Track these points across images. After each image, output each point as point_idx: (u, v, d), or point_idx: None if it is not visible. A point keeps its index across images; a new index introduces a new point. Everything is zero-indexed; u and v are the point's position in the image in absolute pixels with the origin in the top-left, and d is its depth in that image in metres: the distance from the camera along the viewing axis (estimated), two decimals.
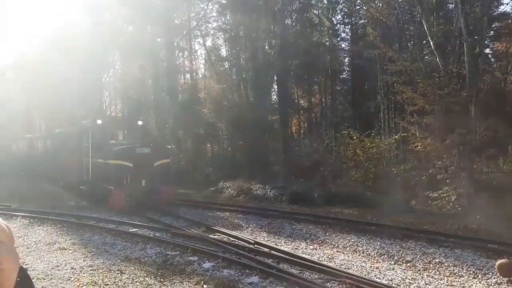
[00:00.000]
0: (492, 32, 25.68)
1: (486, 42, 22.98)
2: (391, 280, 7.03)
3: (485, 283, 7.01)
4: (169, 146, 16.15)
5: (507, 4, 41.18)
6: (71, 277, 7.09)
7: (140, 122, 17.18)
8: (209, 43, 33.25)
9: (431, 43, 16.75)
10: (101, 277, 7.02)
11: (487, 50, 25.78)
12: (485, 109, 17.23)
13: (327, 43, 31.11)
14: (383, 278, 7.16)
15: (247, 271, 7.31)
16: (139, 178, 13.55)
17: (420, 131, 17.69)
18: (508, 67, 25.87)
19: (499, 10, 25.51)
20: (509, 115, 21.61)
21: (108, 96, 38.53)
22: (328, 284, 6.68)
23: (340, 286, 6.62)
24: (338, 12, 31.84)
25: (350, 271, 7.37)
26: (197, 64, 36.05)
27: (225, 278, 6.96)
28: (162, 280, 6.87)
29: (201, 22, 31.10)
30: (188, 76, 34.30)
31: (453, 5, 19.03)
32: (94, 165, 14.79)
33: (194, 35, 32.87)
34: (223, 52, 33.37)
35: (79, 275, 7.21)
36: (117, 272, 7.33)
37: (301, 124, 36.23)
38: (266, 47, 26.20)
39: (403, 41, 22.48)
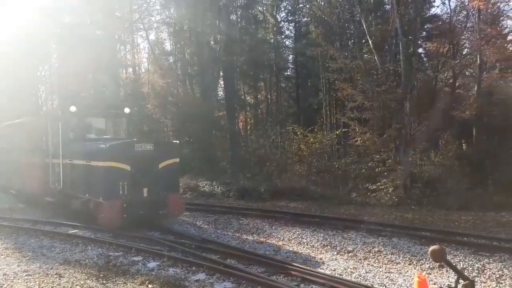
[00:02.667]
0: (424, 32, 27.40)
1: (419, 42, 24.44)
2: (334, 270, 7.32)
3: (419, 268, 7.51)
4: (176, 141, 12.31)
5: (438, 6, 43.89)
6: (3, 284, 6.63)
7: (127, 110, 13.08)
8: (152, 36, 32.42)
9: (370, 42, 17.54)
10: (37, 283, 6.64)
11: (420, 50, 27.49)
12: (418, 105, 18.34)
13: (272, 40, 31.51)
14: (327, 268, 7.44)
15: (194, 268, 7.26)
16: (139, 185, 9.87)
17: (360, 127, 18.49)
18: (439, 66, 27.72)
19: (431, 12, 27.25)
20: (440, 111, 23.20)
21: (44, 91, 36.24)
22: (273, 277, 6.81)
23: (286, 278, 6.78)
24: (282, 9, 32.35)
25: (295, 263, 7.57)
26: (140, 58, 35.05)
27: (171, 276, 6.87)
28: (104, 282, 6.64)
29: (144, 15, 30.16)
30: (130, 70, 33.20)
31: (390, 6, 20.03)
32: (68, 168, 11.30)
33: (137, 28, 31.83)
34: (168, 46, 32.70)
35: (12, 281, 6.77)
36: (55, 276, 6.97)
37: (248, 120, 36.44)
38: (212, 42, 26.00)
39: (344, 39, 23.31)
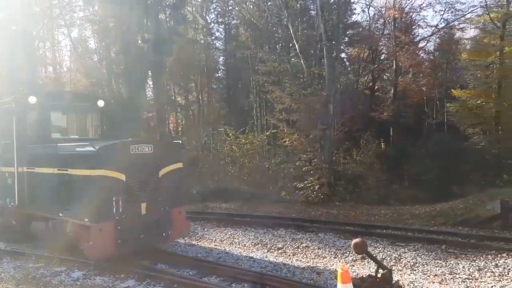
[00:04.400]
0: (346, 38, 29.08)
1: (342, 47, 25.88)
2: (264, 267, 7.53)
3: (343, 261, 7.99)
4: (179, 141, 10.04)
5: (358, 14, 46.75)
6: None
7: (100, 103, 10.30)
8: (75, 34, 30.59)
9: (296, 46, 18.20)
10: None
11: (343, 55, 29.16)
12: (341, 107, 19.41)
13: (202, 41, 31.37)
14: (258, 266, 7.63)
15: (122, 275, 7.05)
16: (136, 200, 7.32)
17: (288, 128, 19.12)
18: (359, 70, 29.59)
19: (352, 19, 28.99)
20: (360, 113, 24.78)
21: None
22: (205, 278, 6.84)
23: (217, 279, 6.85)
24: (212, 11, 32.34)
25: (227, 263, 7.66)
26: (62, 56, 32.93)
27: (98, 285, 6.61)
28: None
29: (65, 11, 28.41)
30: (50, 68, 31.07)
31: (315, 12, 20.95)
32: (27, 179, 8.66)
33: (58, 25, 29.87)
34: (92, 44, 31.07)
35: None
36: None
37: (179, 121, 35.86)
38: (139, 41, 25.20)
39: (272, 43, 23.92)
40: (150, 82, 27.37)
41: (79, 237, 7.20)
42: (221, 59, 35.07)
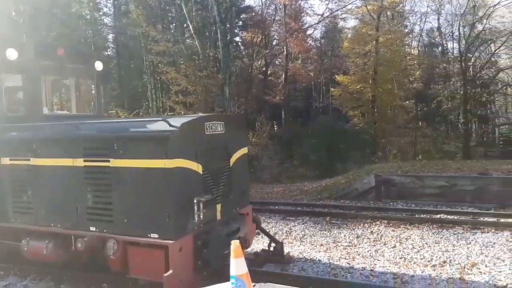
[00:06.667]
0: (240, 22, 29.51)
1: (236, 31, 26.21)
2: None
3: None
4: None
5: None
6: None
7: (98, 65, 6.88)
8: None
9: (191, 27, 17.96)
10: None
11: (237, 38, 29.58)
12: (237, 91, 19.85)
13: (88, 17, 28.98)
14: None
15: (2, 272, 6.38)
16: (212, 201, 4.90)
17: (185, 110, 18.93)
18: (253, 55, 30.39)
19: (246, 3, 29.47)
20: (255, 96, 25.62)
21: None
22: None
23: None
24: None
25: None
26: None
27: None
28: None
29: None
30: None
31: None
32: (15, 177, 5.50)
33: None
34: None
35: None
36: None
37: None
38: (13, 13, 22.34)
39: (166, 22, 23.20)
40: None
41: (138, 262, 4.54)
42: (110, 36, 32.88)
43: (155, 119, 4.95)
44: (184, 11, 17.85)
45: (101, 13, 31.13)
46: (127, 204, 4.63)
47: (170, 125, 4.42)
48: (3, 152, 5.52)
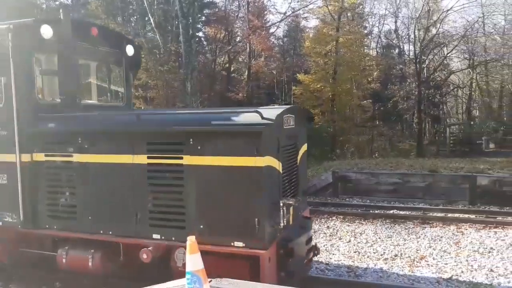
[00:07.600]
0: (203, 17, 29.26)
1: (198, 26, 25.96)
2: None
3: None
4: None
5: None
6: None
7: (129, 49, 5.93)
8: None
9: (152, 20, 17.62)
10: None
11: (200, 34, 29.31)
12: (200, 86, 19.69)
13: (44, 6, 27.69)
14: None
15: None
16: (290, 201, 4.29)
17: (145, 105, 18.57)
18: (216, 51, 30.23)
19: None
20: (218, 92, 25.53)
21: None
22: None
23: None
24: None
25: None
26: None
27: None
28: None
29: None
30: None
31: None
32: (51, 175, 4.64)
33: None
34: None
35: None
36: None
37: None
38: None
39: (126, 15, 22.63)
40: None
41: (216, 275, 3.57)
42: None
43: (244, 110, 4.19)
44: (145, 4, 17.48)
45: (57, 2, 29.81)
46: (204, 208, 3.99)
47: (263, 118, 3.77)
48: (36, 147, 4.64)
